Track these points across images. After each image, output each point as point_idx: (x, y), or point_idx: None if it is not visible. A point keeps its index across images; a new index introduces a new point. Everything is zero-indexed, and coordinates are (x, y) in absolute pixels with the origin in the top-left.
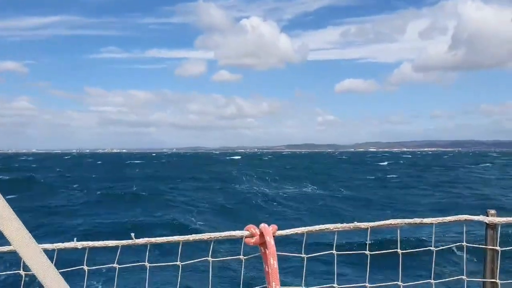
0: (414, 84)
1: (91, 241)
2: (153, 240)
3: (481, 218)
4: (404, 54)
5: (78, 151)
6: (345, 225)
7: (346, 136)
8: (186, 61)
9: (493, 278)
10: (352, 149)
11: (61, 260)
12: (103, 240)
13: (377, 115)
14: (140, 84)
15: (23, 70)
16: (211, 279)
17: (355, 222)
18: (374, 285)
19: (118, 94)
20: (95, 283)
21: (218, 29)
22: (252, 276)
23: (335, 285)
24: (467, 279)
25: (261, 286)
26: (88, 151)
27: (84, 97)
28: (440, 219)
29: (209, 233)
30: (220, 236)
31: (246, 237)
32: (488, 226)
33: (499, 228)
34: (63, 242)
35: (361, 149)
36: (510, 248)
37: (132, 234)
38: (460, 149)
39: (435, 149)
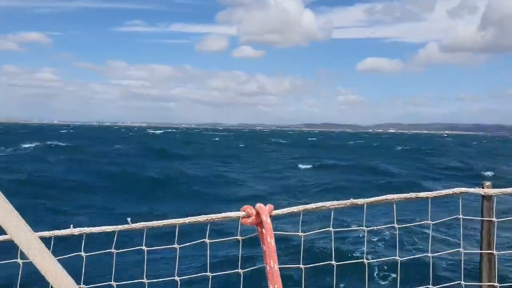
0: (440, 65)
1: (87, 227)
2: (149, 224)
3: (476, 190)
4: (432, 34)
5: (98, 123)
6: (341, 202)
7: (367, 117)
8: (208, 36)
9: (490, 249)
10: (371, 130)
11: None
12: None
13: (400, 96)
14: (162, 59)
15: (47, 41)
16: (209, 261)
17: (351, 199)
18: (372, 260)
19: (140, 68)
20: (93, 270)
21: (241, 3)
22: (250, 256)
23: (332, 262)
24: (464, 251)
25: (259, 266)
26: (108, 123)
27: (106, 69)
28: (435, 193)
29: (205, 215)
30: (217, 218)
31: (243, 217)
32: (484, 197)
33: (495, 200)
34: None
35: (380, 130)
36: (505, 219)
37: (129, 219)
38: (482, 133)
39: (455, 132)
